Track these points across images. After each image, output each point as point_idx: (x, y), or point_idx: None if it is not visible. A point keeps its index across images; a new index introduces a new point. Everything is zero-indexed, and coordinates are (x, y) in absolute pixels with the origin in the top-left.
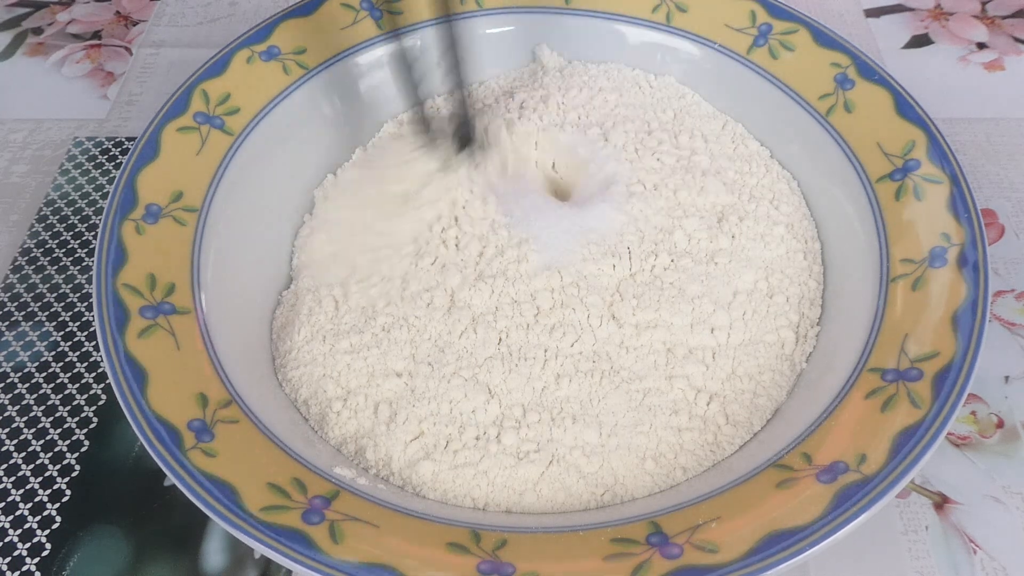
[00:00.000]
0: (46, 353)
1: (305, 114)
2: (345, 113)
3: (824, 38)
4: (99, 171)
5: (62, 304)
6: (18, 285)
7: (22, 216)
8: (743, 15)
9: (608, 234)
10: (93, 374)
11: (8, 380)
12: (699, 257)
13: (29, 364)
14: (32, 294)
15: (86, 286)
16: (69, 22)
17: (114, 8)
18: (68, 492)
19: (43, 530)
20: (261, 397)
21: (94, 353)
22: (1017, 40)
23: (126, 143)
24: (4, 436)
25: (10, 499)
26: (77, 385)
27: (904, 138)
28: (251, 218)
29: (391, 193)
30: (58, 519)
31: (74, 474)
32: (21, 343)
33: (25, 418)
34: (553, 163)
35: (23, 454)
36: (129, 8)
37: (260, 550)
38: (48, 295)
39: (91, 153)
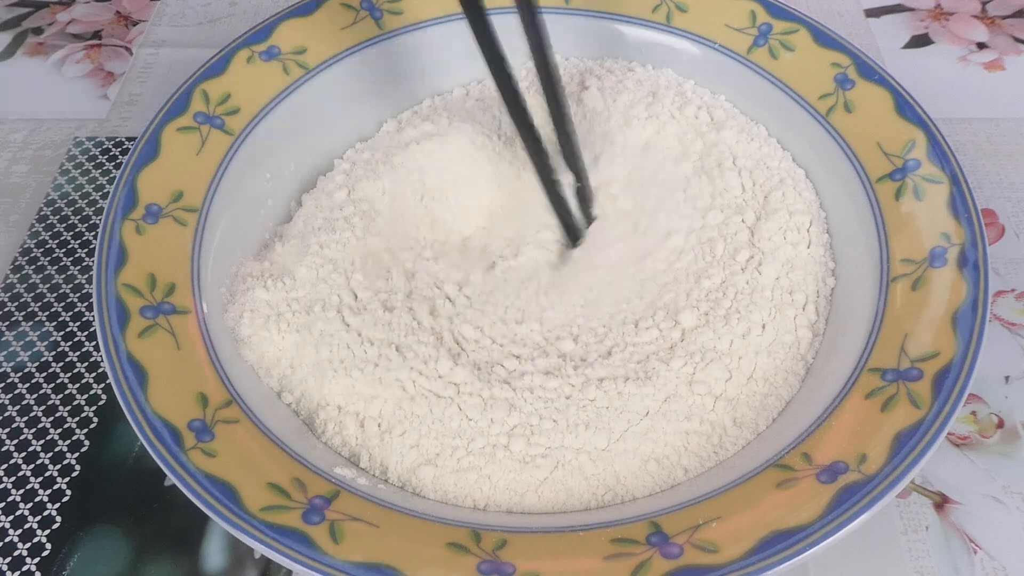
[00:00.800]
0: (46, 353)
1: (305, 114)
2: (345, 113)
3: (824, 38)
4: (99, 171)
5: (62, 304)
6: (18, 285)
7: (22, 216)
8: (743, 15)
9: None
10: (93, 374)
11: (8, 380)
12: (728, 257)
13: (29, 364)
14: (32, 294)
15: (86, 286)
16: (69, 22)
17: (114, 8)
18: (68, 492)
19: (43, 530)
20: (261, 397)
21: (94, 353)
22: (1017, 40)
23: (126, 143)
24: (4, 436)
25: (10, 499)
26: (77, 385)
27: (904, 138)
28: (251, 218)
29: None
30: (58, 519)
31: (74, 474)
32: (21, 343)
33: (25, 418)
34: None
35: (23, 454)
36: (129, 8)
37: (260, 550)
38: (48, 295)
39: (91, 153)
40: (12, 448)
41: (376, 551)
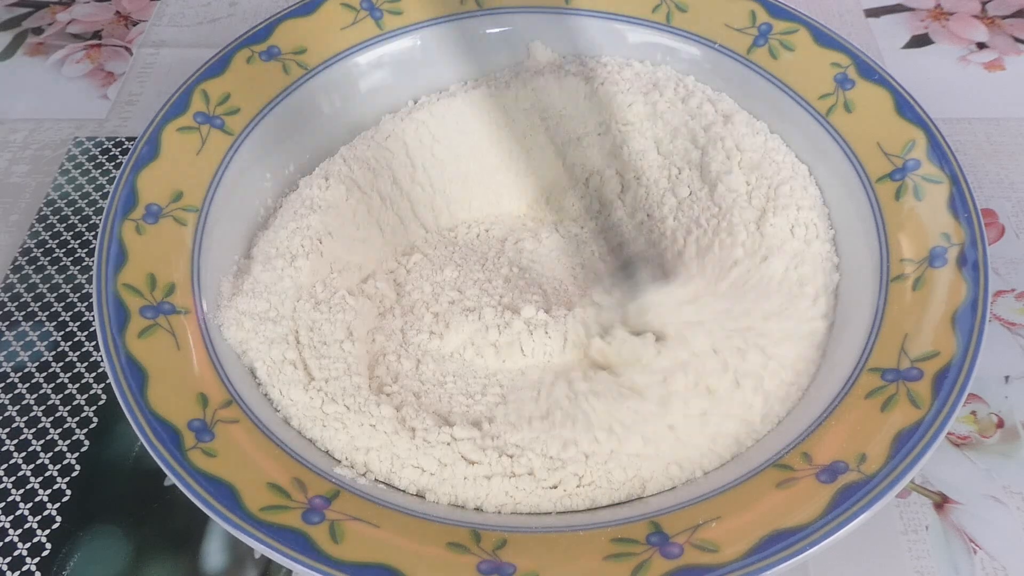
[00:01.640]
0: (46, 353)
1: (305, 114)
2: (345, 112)
3: (824, 38)
4: (99, 171)
5: (62, 304)
6: (18, 285)
7: (22, 216)
8: (743, 15)
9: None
10: (93, 374)
11: (8, 380)
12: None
13: (29, 364)
14: (32, 294)
15: (86, 286)
16: (69, 22)
17: (114, 8)
18: (68, 492)
19: (43, 530)
20: (261, 397)
21: (94, 353)
22: (1017, 40)
23: (126, 143)
24: (4, 436)
25: (10, 499)
26: (77, 385)
27: (904, 138)
28: (251, 218)
29: None
30: (58, 519)
31: (74, 474)
32: (21, 343)
33: (25, 418)
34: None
35: (23, 454)
36: (129, 8)
37: (260, 550)
38: (48, 295)
39: (91, 153)
40: (12, 448)
41: (376, 551)
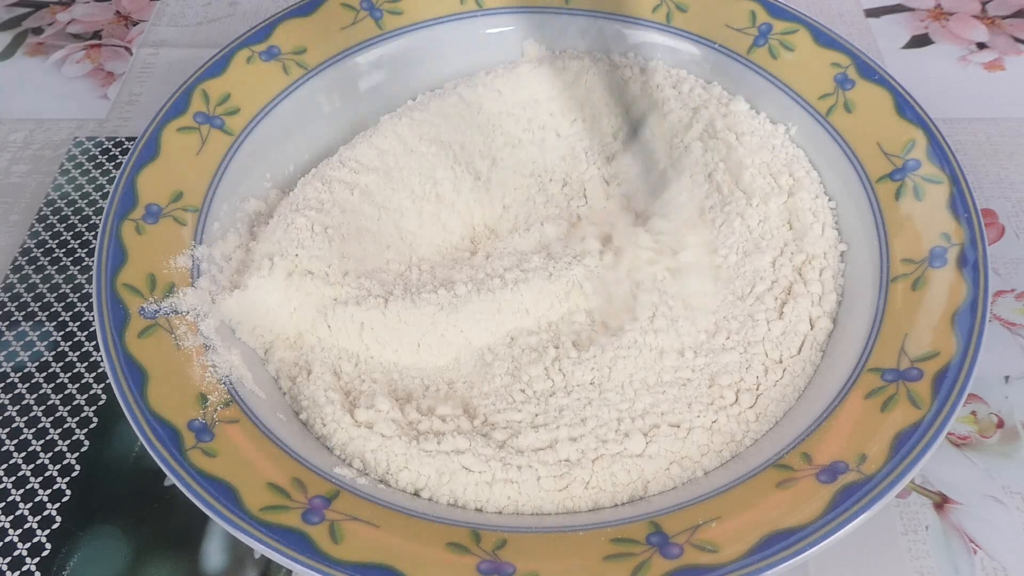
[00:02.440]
0: (46, 353)
1: (305, 114)
2: (345, 112)
3: (824, 38)
4: (99, 171)
5: (62, 304)
6: (18, 285)
7: (22, 216)
8: (743, 15)
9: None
10: (93, 374)
11: (8, 380)
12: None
13: (29, 364)
14: (32, 294)
15: (86, 286)
16: (69, 22)
17: (114, 8)
18: (68, 492)
19: (43, 530)
20: (261, 397)
21: (94, 353)
22: (1017, 40)
23: (126, 143)
24: (4, 436)
25: (10, 499)
26: (77, 385)
27: (904, 138)
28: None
29: None
30: (58, 519)
31: (74, 474)
32: (21, 343)
33: (25, 418)
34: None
35: (23, 454)
36: (129, 8)
37: (260, 550)
38: (48, 295)
39: (91, 153)
40: (12, 448)
41: (376, 551)
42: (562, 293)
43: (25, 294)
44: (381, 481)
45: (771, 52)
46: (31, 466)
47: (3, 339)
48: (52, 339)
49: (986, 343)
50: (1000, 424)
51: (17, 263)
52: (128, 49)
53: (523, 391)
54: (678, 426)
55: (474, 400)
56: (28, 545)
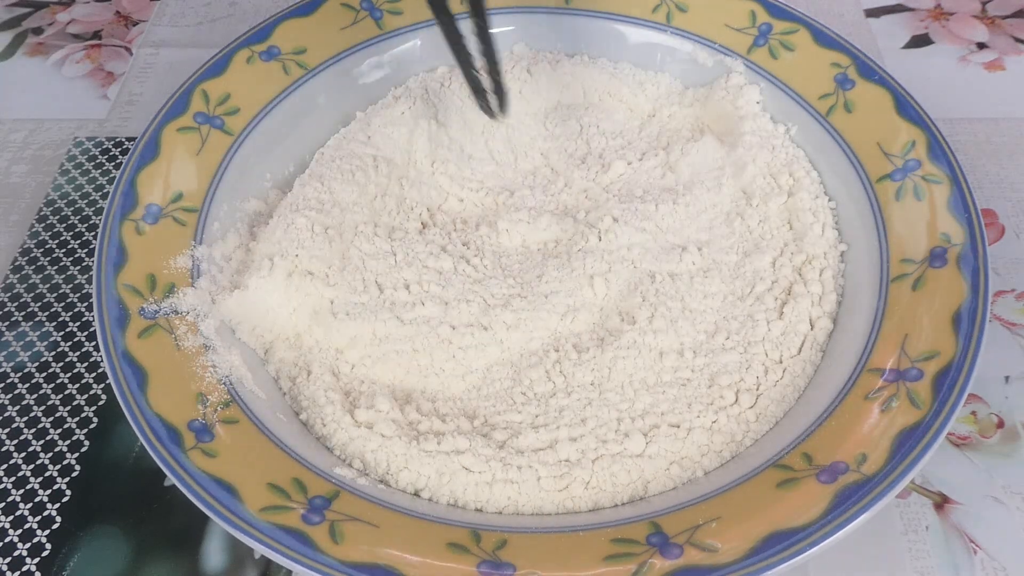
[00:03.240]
0: (46, 353)
1: (305, 114)
2: (345, 113)
3: (824, 38)
4: (99, 171)
5: (62, 304)
6: (18, 285)
7: (22, 216)
8: (743, 15)
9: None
10: (93, 374)
11: (8, 380)
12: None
13: (29, 364)
14: (32, 294)
15: (86, 286)
16: (69, 22)
17: (114, 8)
18: (68, 492)
19: (43, 530)
20: (261, 397)
21: (94, 353)
22: (1017, 40)
23: (126, 143)
24: (4, 436)
25: (10, 499)
26: (77, 385)
27: (904, 138)
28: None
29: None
30: (58, 519)
31: (74, 474)
32: (21, 343)
33: (25, 418)
34: None
35: (23, 454)
36: (129, 8)
37: (260, 550)
38: (48, 295)
39: (91, 153)
40: (12, 448)
41: (376, 551)
42: (561, 315)
43: (25, 294)
44: (381, 481)
45: (771, 52)
46: (31, 466)
47: (3, 339)
48: (52, 339)
49: (986, 343)
50: (1000, 424)
51: (17, 263)
52: (128, 49)
53: (524, 393)
54: (678, 426)
55: (473, 402)
56: (28, 545)
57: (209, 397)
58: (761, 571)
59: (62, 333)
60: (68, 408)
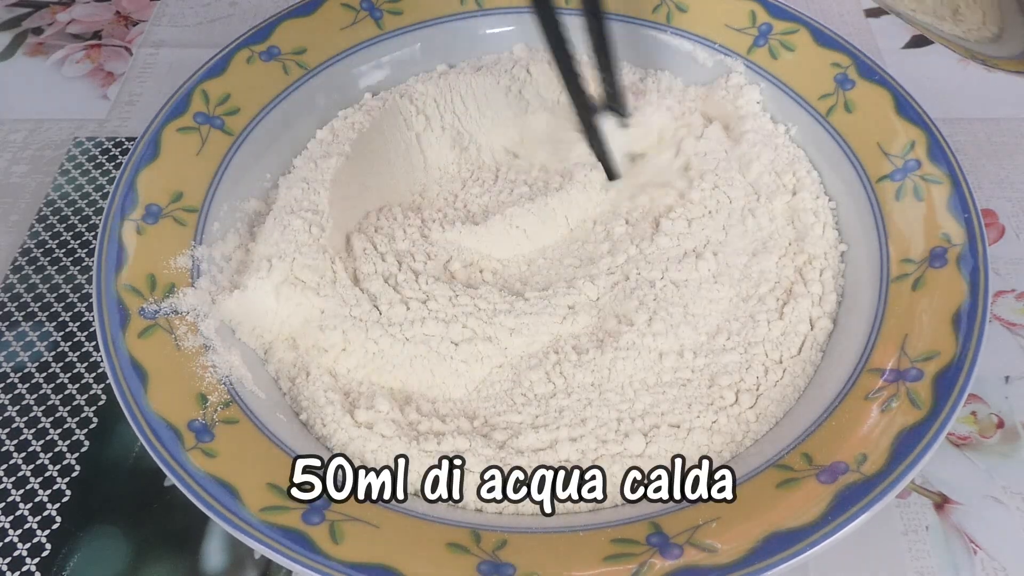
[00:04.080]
0: (46, 353)
1: (305, 114)
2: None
3: (824, 38)
4: (99, 171)
5: (62, 304)
6: (18, 285)
7: (22, 216)
8: (743, 15)
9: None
10: (93, 374)
11: (8, 380)
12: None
13: (29, 364)
14: (32, 294)
15: (86, 286)
16: (69, 22)
17: (114, 8)
18: (68, 492)
19: (43, 530)
20: (261, 397)
21: (94, 353)
22: None
23: (126, 143)
24: (4, 436)
25: (10, 499)
26: (77, 385)
27: (904, 138)
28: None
29: None
30: (58, 519)
31: (74, 474)
32: (21, 343)
33: (25, 418)
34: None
35: (23, 454)
36: (129, 8)
37: (260, 551)
38: (48, 295)
39: (91, 153)
40: (12, 448)
41: (376, 551)
42: (562, 318)
43: (25, 294)
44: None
45: (771, 52)
46: (31, 466)
47: (3, 339)
48: (52, 339)
49: (986, 343)
50: (1000, 424)
51: (17, 263)
52: (128, 49)
53: (524, 394)
54: (678, 426)
55: (473, 403)
56: (28, 545)
57: (209, 397)
58: (761, 571)
59: (62, 333)
60: (68, 408)
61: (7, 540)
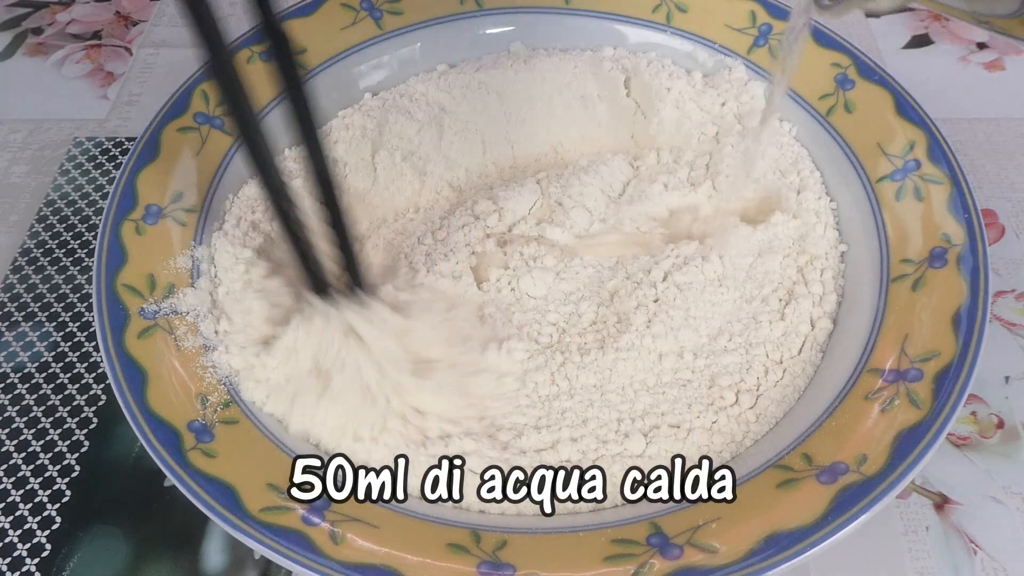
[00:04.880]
0: (46, 353)
1: None
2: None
3: (824, 38)
4: (99, 171)
5: (62, 304)
6: (18, 285)
7: (22, 216)
8: (743, 15)
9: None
10: (93, 374)
11: (8, 380)
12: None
13: (29, 364)
14: (32, 294)
15: (86, 286)
16: (69, 22)
17: (114, 8)
18: (68, 492)
19: (43, 531)
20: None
21: (94, 353)
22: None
23: (126, 143)
24: (4, 436)
25: (10, 499)
26: (77, 385)
27: (904, 138)
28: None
29: None
30: (58, 520)
31: (74, 474)
32: (21, 343)
33: (25, 418)
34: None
35: (23, 454)
36: (129, 8)
37: (260, 551)
38: (48, 295)
39: (91, 153)
40: (12, 448)
41: (376, 552)
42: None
43: (25, 294)
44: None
45: (771, 52)
46: (31, 467)
47: (3, 339)
48: (52, 339)
49: (986, 343)
50: (1000, 424)
51: (17, 263)
52: (128, 49)
53: (528, 396)
54: (678, 427)
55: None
56: (28, 546)
57: (209, 398)
58: (761, 572)
59: (62, 333)
60: (68, 408)
61: (7, 540)
